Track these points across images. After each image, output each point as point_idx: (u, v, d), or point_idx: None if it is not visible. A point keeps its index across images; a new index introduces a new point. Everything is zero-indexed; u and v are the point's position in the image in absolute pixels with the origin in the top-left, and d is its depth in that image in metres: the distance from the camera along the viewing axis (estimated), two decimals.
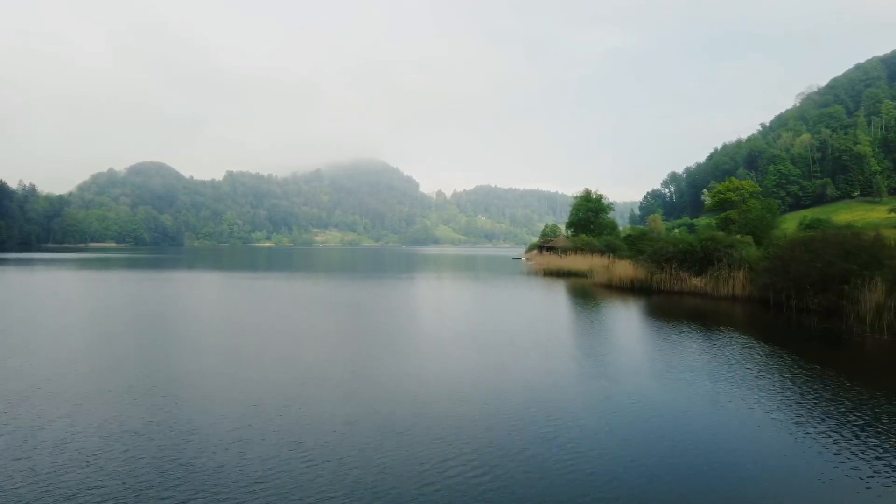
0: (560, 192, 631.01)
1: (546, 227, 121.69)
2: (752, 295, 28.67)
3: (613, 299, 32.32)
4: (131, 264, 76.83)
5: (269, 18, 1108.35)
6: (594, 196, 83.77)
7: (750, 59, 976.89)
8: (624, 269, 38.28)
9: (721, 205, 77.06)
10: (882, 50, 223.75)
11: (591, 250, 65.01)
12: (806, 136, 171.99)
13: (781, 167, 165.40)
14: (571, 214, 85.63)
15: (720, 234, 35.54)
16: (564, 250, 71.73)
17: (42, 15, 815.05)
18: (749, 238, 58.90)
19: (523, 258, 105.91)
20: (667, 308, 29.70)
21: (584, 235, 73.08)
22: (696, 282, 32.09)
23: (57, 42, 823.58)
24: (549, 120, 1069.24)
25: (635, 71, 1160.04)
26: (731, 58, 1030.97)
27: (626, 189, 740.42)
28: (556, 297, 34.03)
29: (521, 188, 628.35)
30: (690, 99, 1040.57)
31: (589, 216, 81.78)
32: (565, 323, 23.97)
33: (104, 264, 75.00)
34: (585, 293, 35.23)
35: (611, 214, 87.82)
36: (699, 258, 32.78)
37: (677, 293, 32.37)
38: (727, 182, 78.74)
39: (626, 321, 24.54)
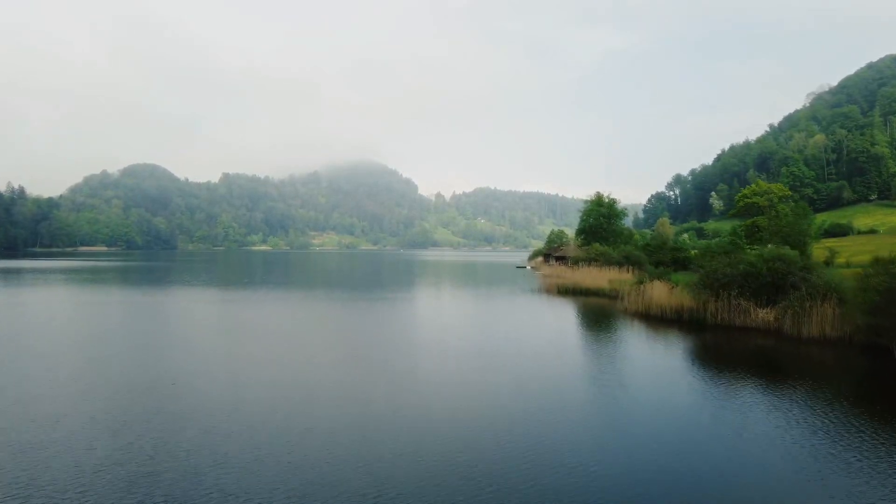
0: (560, 195, 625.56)
1: (552, 232, 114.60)
2: (852, 338, 21.75)
3: (655, 335, 25.52)
4: (103, 278, 69.89)
5: (268, 18, 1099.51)
6: (606, 200, 76.74)
7: (750, 59, 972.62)
8: (662, 293, 31.33)
9: (747, 210, 70.32)
10: (892, 49, 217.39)
11: (608, 262, 58.15)
12: (820, 137, 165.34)
13: (795, 169, 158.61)
14: (581, 220, 78.61)
15: (788, 251, 28.64)
16: (576, 261, 64.88)
17: (37, 13, 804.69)
18: (791, 251, 52.22)
19: (528, 266, 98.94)
20: (726, 351, 23.14)
21: (597, 244, 66.08)
22: (765, 315, 25.17)
23: (52, 41, 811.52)
24: (549, 121, 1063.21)
25: (635, 72, 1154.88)
26: (731, 58, 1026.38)
27: (628, 191, 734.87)
28: (582, 334, 27.08)
29: (521, 190, 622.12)
30: (690, 99, 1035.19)
31: (601, 222, 74.73)
32: (604, 376, 17.07)
33: (68, 279, 67.93)
34: (616, 326, 28.31)
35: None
36: (766, 283, 25.87)
37: (739, 329, 25.45)
38: (753, 185, 72.09)
39: (677, 373, 17.80)
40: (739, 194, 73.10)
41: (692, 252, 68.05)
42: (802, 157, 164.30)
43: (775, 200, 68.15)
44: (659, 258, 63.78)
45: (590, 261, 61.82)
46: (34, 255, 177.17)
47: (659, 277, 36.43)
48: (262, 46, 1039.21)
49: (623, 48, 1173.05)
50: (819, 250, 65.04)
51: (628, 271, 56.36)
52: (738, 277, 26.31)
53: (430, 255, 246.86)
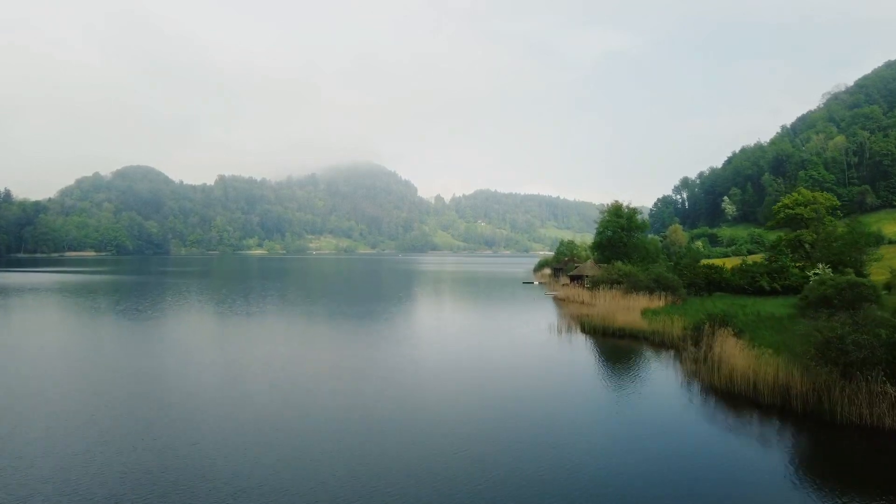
0: (561, 197, 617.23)
1: (561, 243, 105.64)
2: None
3: (746, 431, 17.09)
4: (53, 302, 61.25)
5: (266, 17, 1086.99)
6: (625, 210, 67.97)
7: (753, 59, 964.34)
8: (739, 353, 22.57)
9: (788, 222, 61.58)
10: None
11: (634, 286, 49.27)
12: (840, 139, 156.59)
13: (814, 172, 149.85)
14: (598, 233, 69.94)
15: None
16: (595, 282, 56.07)
17: (30, 12, 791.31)
18: (858, 277, 43.57)
19: (536, 282, 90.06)
20: (870, 469, 14.68)
21: (619, 263, 57.31)
22: None
23: (45, 40, 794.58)
24: (550, 122, 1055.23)
25: (636, 72, 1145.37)
26: (733, 58, 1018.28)
27: (630, 193, 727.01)
28: (637, 417, 18.30)
29: (522, 193, 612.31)
30: (693, 100, 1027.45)
31: (620, 235, 65.97)
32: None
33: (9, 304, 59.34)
34: (682, 406, 19.67)
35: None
36: None
37: (890, 434, 16.64)
38: (795, 194, 63.34)
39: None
40: (779, 204, 64.29)
41: (727, 267, 59.38)
42: (822, 160, 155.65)
43: (822, 212, 59.40)
44: (692, 279, 55.16)
45: (612, 282, 53.16)
46: (17, 263, 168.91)
47: (723, 323, 27.72)
48: (260, 46, 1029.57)
49: (624, 48, 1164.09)
50: (875, 269, 56.47)
51: (660, 298, 47.76)
52: (881, 350, 17.52)
53: (428, 260, 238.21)
